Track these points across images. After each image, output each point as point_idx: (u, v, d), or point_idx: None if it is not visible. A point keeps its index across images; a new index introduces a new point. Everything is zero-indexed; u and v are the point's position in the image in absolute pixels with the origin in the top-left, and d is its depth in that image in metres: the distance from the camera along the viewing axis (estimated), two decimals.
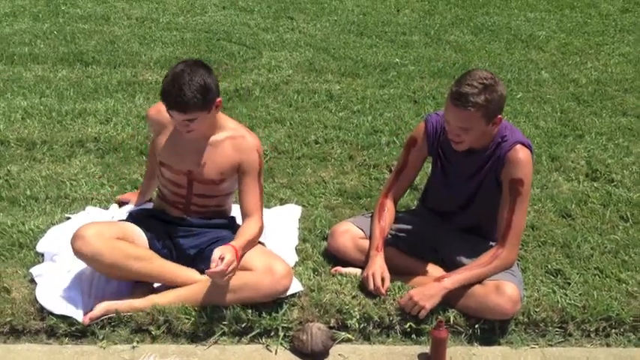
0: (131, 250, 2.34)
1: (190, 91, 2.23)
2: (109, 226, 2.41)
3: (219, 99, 2.35)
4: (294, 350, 2.33)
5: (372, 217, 2.68)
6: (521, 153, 2.41)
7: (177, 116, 2.29)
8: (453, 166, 2.58)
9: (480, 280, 2.42)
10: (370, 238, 2.61)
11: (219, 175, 2.47)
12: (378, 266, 2.48)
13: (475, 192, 2.56)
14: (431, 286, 2.40)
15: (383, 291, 2.45)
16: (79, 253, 2.29)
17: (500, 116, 2.38)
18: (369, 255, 2.56)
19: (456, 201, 2.63)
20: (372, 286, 2.46)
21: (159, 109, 2.46)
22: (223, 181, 2.49)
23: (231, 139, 2.45)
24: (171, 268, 2.43)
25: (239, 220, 2.61)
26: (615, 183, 3.48)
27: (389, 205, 2.66)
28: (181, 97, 2.23)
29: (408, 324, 2.41)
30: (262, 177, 2.51)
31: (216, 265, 2.18)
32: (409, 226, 2.73)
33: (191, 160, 2.46)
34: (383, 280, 2.47)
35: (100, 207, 3.01)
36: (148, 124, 2.62)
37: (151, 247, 2.47)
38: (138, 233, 2.46)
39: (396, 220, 2.72)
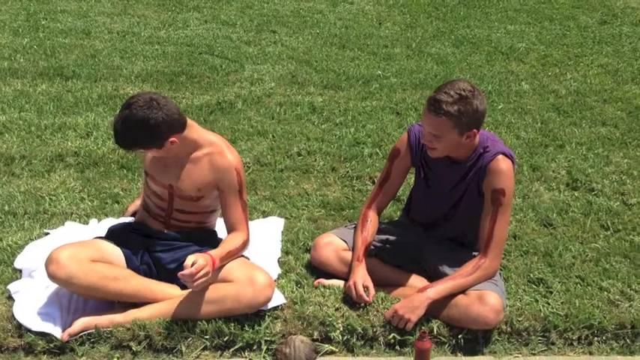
0: (107, 271, 2.30)
1: (124, 136, 2.26)
2: (83, 247, 2.34)
3: (172, 138, 2.30)
4: None
5: (355, 228, 2.68)
6: (503, 163, 2.42)
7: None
8: (436, 176, 2.58)
9: (462, 290, 2.42)
10: (353, 248, 2.60)
11: (197, 191, 2.45)
12: (360, 275, 2.48)
13: (457, 202, 2.57)
14: (414, 297, 2.39)
15: (367, 298, 2.44)
16: (53, 277, 2.25)
17: (475, 130, 2.38)
18: (351, 266, 2.55)
19: (438, 211, 2.63)
20: (354, 295, 2.45)
21: None
22: (201, 198, 2.47)
23: (209, 155, 2.42)
24: (149, 287, 2.39)
25: (221, 235, 2.59)
26: (596, 192, 3.51)
27: (372, 215, 2.66)
28: (118, 139, 2.27)
29: (392, 335, 2.40)
30: (245, 192, 2.49)
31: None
32: (392, 237, 2.73)
33: (173, 174, 2.44)
34: (367, 288, 2.46)
35: (80, 222, 2.97)
36: None
37: (129, 264, 2.43)
38: (114, 252, 2.42)
39: (379, 232, 2.71)
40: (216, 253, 2.31)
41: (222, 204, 2.46)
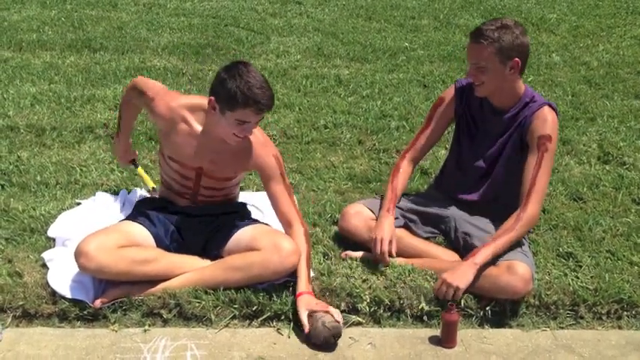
0: (136, 256, 2.32)
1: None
2: (110, 235, 2.34)
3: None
4: None
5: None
6: (550, 114, 2.48)
7: (257, 118, 2.31)
8: (479, 128, 2.59)
9: (507, 247, 2.39)
10: (382, 198, 2.62)
11: (233, 172, 2.51)
12: (387, 230, 2.49)
13: (497, 157, 2.56)
14: (461, 266, 2.38)
15: (387, 258, 2.46)
16: (83, 269, 2.28)
17: (517, 59, 2.40)
18: (378, 215, 2.56)
19: (477, 169, 2.61)
20: (378, 249, 2.46)
21: (169, 107, 2.42)
22: (235, 177, 2.54)
23: (247, 141, 2.41)
24: (179, 264, 2.41)
25: (248, 207, 2.64)
26: (627, 166, 3.45)
27: (405, 166, 2.67)
28: (273, 96, 2.32)
29: (421, 305, 2.40)
30: (287, 179, 2.51)
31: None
32: (421, 209, 2.72)
33: (204, 158, 2.45)
34: (390, 243, 2.47)
35: (110, 193, 3.02)
36: (141, 100, 2.53)
37: (159, 244, 2.44)
38: (142, 234, 2.42)
39: (407, 201, 2.71)
40: (304, 283, 2.33)
41: (269, 194, 2.47)
